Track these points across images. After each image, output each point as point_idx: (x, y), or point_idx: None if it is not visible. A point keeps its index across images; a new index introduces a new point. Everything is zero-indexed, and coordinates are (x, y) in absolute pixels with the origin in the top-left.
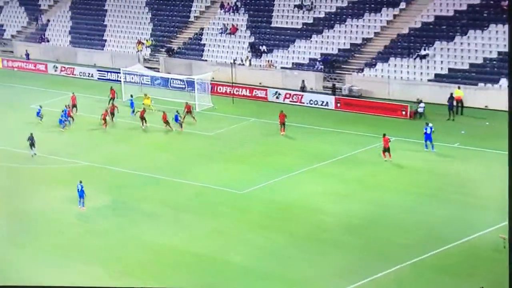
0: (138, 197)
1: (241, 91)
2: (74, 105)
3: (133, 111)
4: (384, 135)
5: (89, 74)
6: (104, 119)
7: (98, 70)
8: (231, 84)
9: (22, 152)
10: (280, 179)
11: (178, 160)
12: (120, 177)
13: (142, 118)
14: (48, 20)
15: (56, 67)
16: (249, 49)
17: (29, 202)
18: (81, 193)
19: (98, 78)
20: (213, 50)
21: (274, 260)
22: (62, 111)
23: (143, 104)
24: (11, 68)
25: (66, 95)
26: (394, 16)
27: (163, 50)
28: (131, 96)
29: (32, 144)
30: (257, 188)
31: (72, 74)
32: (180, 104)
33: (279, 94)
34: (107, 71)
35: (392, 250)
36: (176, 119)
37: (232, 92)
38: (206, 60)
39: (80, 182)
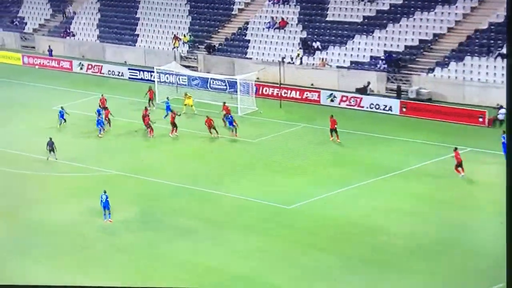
0: (171, 210)
1: (290, 93)
2: (105, 108)
3: (166, 115)
4: (456, 149)
5: (119, 73)
6: (147, 125)
7: (129, 69)
8: (278, 85)
9: (43, 158)
10: (333, 193)
11: (217, 169)
12: (151, 187)
13: (173, 125)
14: (74, 13)
15: (82, 65)
16: (300, 46)
17: (49, 213)
18: (106, 204)
19: (129, 78)
20: (258, 47)
21: (323, 285)
22: (96, 113)
23: (184, 105)
24: (33, 66)
25: (92, 96)
26: (472, 8)
27: (203, 46)
28: (167, 98)
29: (51, 150)
30: (307, 203)
31: (100, 73)
32: (220, 108)
33: (334, 96)
34: (139, 70)
35: (466, 276)
36: (231, 123)
37: (279, 94)
38: (250, 58)
39: (105, 192)
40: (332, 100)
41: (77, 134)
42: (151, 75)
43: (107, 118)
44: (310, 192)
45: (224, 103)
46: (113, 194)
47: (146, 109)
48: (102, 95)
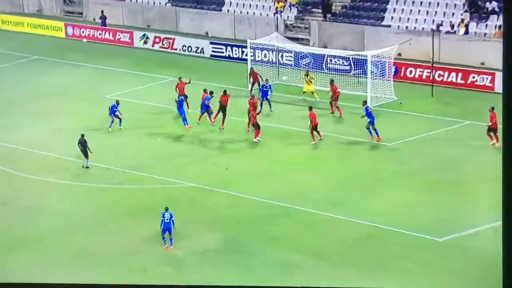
0: (265, 237)
1: (448, 76)
2: (185, 96)
3: (269, 104)
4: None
5: (198, 48)
6: (255, 125)
7: (211, 43)
8: (430, 65)
9: (90, 164)
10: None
11: (332, 184)
12: (239, 206)
13: (255, 126)
14: None
15: (147, 38)
16: (465, 8)
17: (93, 239)
18: (167, 226)
19: (211, 56)
20: (401, 10)
21: None
22: (176, 103)
23: (304, 92)
24: (79, 39)
25: (162, 81)
26: None
27: (318, 10)
28: (267, 81)
29: (84, 151)
30: (467, 235)
31: (171, 48)
32: (345, 97)
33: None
34: (226, 45)
35: None
36: (370, 122)
37: (431, 78)
38: (389, 26)
39: (167, 209)
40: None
41: (139, 132)
42: (242, 52)
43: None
44: (471, 219)
45: (332, 81)
46: (185, 214)
47: (252, 99)
48: (179, 78)
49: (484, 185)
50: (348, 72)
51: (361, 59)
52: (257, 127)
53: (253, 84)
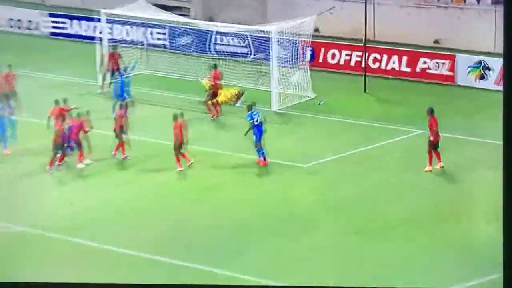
0: None
1: (388, 62)
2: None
3: (115, 104)
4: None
5: (31, 23)
6: (119, 135)
7: (50, 15)
8: (362, 45)
9: None
10: None
11: (226, 226)
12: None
13: (119, 138)
14: None
15: None
16: None
17: None
18: None
19: (52, 33)
20: None
21: None
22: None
23: (212, 103)
24: None
25: None
26: None
27: None
28: (125, 71)
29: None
30: None
31: None
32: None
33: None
34: (71, 17)
35: None
36: (259, 131)
37: (364, 64)
38: None
39: None
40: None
41: None
42: (94, 28)
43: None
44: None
45: (215, 66)
46: None
47: (121, 110)
48: (9, 67)
49: (449, 226)
50: (246, 56)
51: (262, 37)
52: (120, 139)
53: (112, 73)
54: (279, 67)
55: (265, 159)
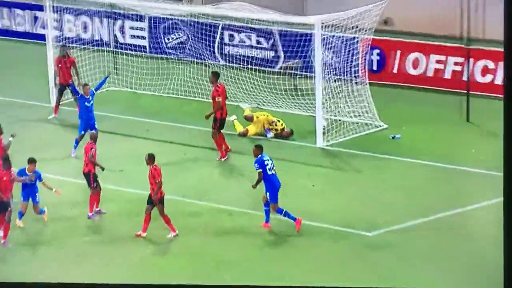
0: None
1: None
2: None
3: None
4: None
5: None
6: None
7: None
8: (463, 46)
9: None
10: None
11: None
12: None
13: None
14: None
15: None
16: None
17: None
18: None
19: None
20: None
21: None
22: None
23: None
24: None
25: None
26: None
27: None
28: (85, 88)
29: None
30: None
31: None
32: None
33: None
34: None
35: None
36: (272, 199)
37: (468, 78)
38: None
39: None
40: None
41: None
42: (35, 21)
43: None
44: None
45: (217, 75)
46: None
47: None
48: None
49: None
50: (270, 65)
51: (300, 34)
52: (97, 188)
53: (61, 90)
54: (327, 80)
55: (295, 220)
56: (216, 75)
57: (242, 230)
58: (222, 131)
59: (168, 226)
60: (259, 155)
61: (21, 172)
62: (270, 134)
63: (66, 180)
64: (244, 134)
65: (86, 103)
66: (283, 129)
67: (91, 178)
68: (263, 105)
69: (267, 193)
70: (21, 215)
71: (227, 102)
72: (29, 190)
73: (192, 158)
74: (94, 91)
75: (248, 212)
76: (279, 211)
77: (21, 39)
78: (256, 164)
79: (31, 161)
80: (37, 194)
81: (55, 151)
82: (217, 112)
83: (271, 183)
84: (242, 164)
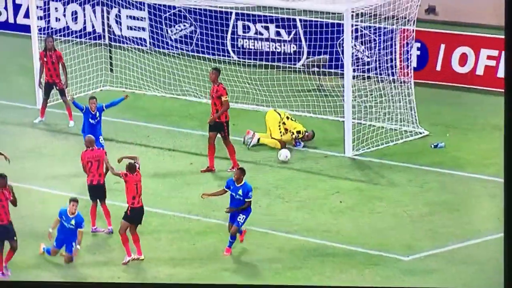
0: None
1: None
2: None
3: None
4: None
5: None
6: None
7: None
8: None
9: None
10: None
11: None
12: None
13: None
14: None
15: None
16: None
17: None
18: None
19: None
20: None
21: None
22: None
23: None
24: None
25: None
26: None
27: None
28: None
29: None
30: None
31: None
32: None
33: None
34: None
35: None
36: None
37: None
38: None
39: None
40: None
41: None
42: (15, 9)
43: None
44: None
45: (218, 71)
46: None
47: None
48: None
49: None
50: (291, 60)
51: (326, 24)
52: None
53: (48, 89)
54: (358, 79)
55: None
56: (218, 72)
57: (256, 251)
58: (218, 134)
59: (135, 246)
60: (244, 181)
61: (63, 214)
62: (301, 145)
63: (53, 193)
64: (284, 145)
65: (91, 120)
66: (304, 134)
67: (105, 189)
68: (282, 107)
69: (243, 217)
70: (48, 253)
71: (235, 105)
72: (65, 237)
73: (199, 168)
74: (104, 108)
75: (266, 232)
76: (233, 238)
77: (0, 30)
78: (250, 193)
79: (73, 200)
80: (73, 243)
81: (42, 161)
82: (224, 114)
83: (246, 209)
84: (255, 176)
